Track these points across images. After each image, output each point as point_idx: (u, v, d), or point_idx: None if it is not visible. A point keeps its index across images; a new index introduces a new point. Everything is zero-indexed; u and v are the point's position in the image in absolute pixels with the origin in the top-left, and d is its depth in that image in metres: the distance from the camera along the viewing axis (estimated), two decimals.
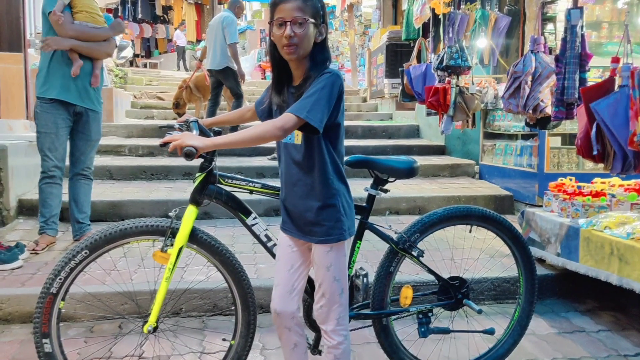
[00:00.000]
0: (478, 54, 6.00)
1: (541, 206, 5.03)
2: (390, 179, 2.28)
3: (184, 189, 5.25)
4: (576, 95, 3.23)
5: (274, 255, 2.13)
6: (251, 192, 2.12)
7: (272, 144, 2.46)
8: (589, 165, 5.08)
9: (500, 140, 5.90)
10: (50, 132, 3.79)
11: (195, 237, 2.06)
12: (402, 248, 2.30)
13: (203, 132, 2.10)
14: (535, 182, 5.08)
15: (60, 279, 1.96)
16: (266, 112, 2.07)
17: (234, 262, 2.14)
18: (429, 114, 6.59)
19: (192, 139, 1.72)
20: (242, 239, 4.17)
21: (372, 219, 2.28)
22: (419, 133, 8.30)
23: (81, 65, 3.79)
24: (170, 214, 2.04)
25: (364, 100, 11.68)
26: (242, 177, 2.11)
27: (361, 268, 2.22)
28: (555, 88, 3.40)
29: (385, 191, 2.28)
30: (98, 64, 4.02)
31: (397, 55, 9.60)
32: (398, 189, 5.45)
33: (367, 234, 2.28)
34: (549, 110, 3.63)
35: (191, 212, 2.03)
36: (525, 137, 5.47)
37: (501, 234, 2.46)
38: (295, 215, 1.94)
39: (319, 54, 1.86)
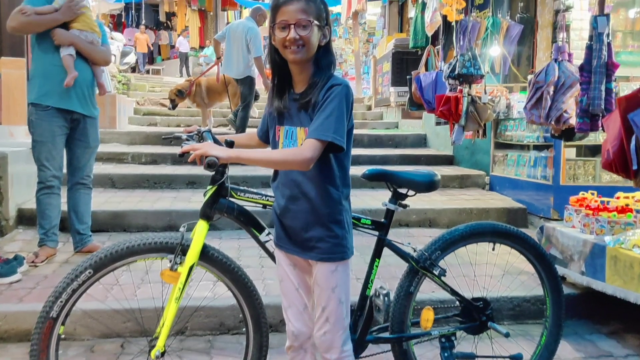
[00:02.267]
0: (489, 62, 5.89)
1: (557, 219, 4.92)
2: (409, 193, 2.15)
3: (187, 199, 5.12)
4: (602, 107, 3.09)
5: None
6: (264, 206, 1.99)
7: None
8: (606, 178, 4.94)
9: (512, 151, 5.76)
10: (47, 140, 3.63)
11: (206, 255, 1.93)
12: (422, 266, 2.16)
13: (215, 142, 1.97)
14: (551, 194, 4.94)
15: (61, 301, 1.82)
16: (266, 132, 1.97)
17: (246, 281, 2.01)
18: (438, 124, 6.48)
19: (215, 148, 1.64)
20: (248, 251, 4.03)
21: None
22: (426, 142, 8.17)
23: (76, 76, 3.62)
24: (180, 229, 1.90)
25: (369, 108, 11.57)
26: (255, 191, 1.98)
27: (381, 287, 2.09)
28: (580, 98, 3.26)
29: (405, 206, 2.15)
30: (99, 71, 3.89)
31: (403, 63, 9.49)
32: (407, 200, 5.30)
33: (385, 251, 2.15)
34: (573, 121, 3.49)
35: (202, 227, 1.90)
36: (537, 147, 5.33)
37: (525, 252, 2.32)
38: (294, 230, 1.82)
39: (324, 57, 1.76)
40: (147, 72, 19.85)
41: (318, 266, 1.79)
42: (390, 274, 3.53)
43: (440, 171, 6.53)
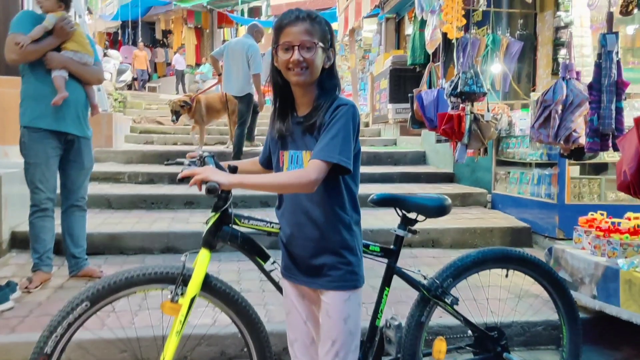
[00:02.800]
0: (490, 79, 5.85)
1: (562, 239, 4.83)
2: (419, 218, 2.06)
3: (185, 220, 5.01)
4: (613, 126, 3.02)
5: None
6: (269, 234, 1.89)
7: None
8: (612, 197, 4.86)
9: (514, 169, 5.69)
10: (40, 162, 3.53)
11: (208, 285, 1.83)
12: (434, 295, 2.06)
13: (218, 168, 1.88)
14: (555, 213, 4.85)
15: (56, 336, 1.71)
16: (268, 158, 1.91)
17: (251, 312, 1.91)
18: (438, 141, 6.42)
19: (216, 173, 1.57)
20: (248, 274, 3.92)
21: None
22: (426, 159, 8.10)
23: (65, 97, 3.52)
24: (181, 258, 1.81)
25: (367, 125, 11.52)
26: (260, 218, 1.88)
27: (393, 317, 1.99)
28: (590, 118, 3.19)
29: (414, 232, 2.06)
30: (92, 92, 3.81)
31: (401, 80, 9.45)
32: None
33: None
34: (583, 140, 3.41)
35: (204, 257, 1.81)
36: (539, 165, 5.26)
37: (540, 278, 2.23)
38: (303, 259, 1.73)
39: (328, 80, 1.70)
40: (144, 88, 19.81)
41: (329, 295, 1.70)
42: (396, 297, 3.42)
43: (441, 189, 6.50)
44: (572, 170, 4.93)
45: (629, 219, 3.45)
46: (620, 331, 3.19)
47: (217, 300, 1.86)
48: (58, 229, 3.79)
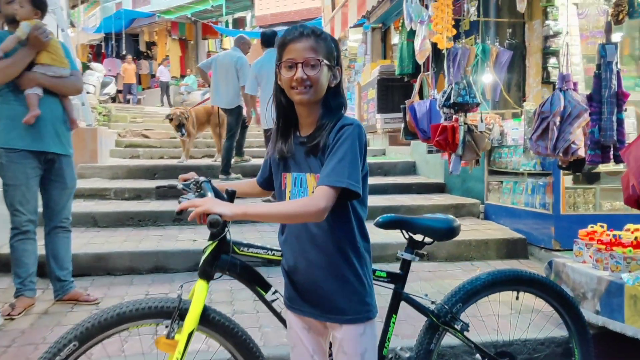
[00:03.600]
0: (480, 88, 5.80)
1: (558, 250, 4.77)
2: (426, 241, 1.97)
3: (174, 237, 4.88)
4: (615, 138, 2.96)
5: None
6: (269, 261, 1.79)
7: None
8: (607, 206, 4.82)
9: (507, 178, 5.63)
10: (20, 184, 3.38)
11: (207, 319, 1.72)
12: (444, 322, 1.96)
13: (216, 193, 1.77)
14: (551, 224, 4.79)
15: None
16: (267, 179, 1.82)
17: (252, 346, 1.80)
18: (430, 152, 6.35)
19: (218, 205, 1.46)
20: (241, 294, 3.79)
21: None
22: (416, 170, 8.04)
23: (37, 115, 3.37)
24: (177, 291, 1.69)
25: None
26: (260, 245, 1.77)
27: (402, 349, 1.89)
28: (590, 130, 3.13)
29: (422, 255, 1.97)
30: (69, 105, 3.66)
31: (389, 89, 9.42)
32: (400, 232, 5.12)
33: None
34: (582, 152, 3.35)
35: (202, 288, 1.69)
36: (532, 175, 5.21)
37: (551, 300, 2.15)
38: (309, 289, 1.63)
39: (333, 99, 1.61)
40: (128, 102, 19.59)
41: (343, 330, 1.59)
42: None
43: (432, 200, 6.43)
44: (565, 180, 4.88)
45: (630, 231, 3.40)
46: (625, 347, 3.11)
47: (216, 333, 1.75)
48: (42, 250, 3.65)
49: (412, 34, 7.22)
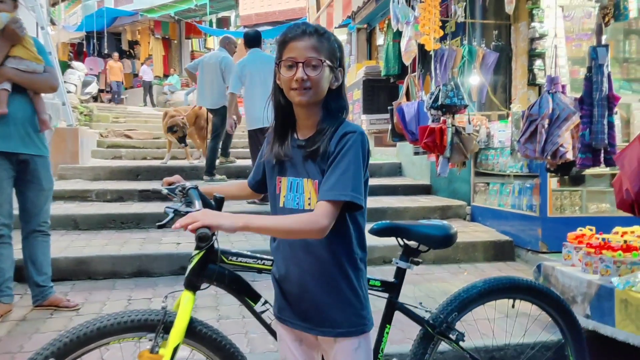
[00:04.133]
0: (467, 90, 5.77)
1: (545, 252, 4.76)
2: (421, 248, 1.91)
3: (158, 240, 4.77)
4: (606, 141, 2.94)
5: None
6: (260, 271, 1.71)
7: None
8: (593, 209, 4.82)
9: (493, 180, 5.62)
10: None
11: (193, 331, 1.63)
12: (439, 332, 1.91)
13: (203, 200, 1.69)
14: (538, 226, 4.78)
15: None
16: (260, 182, 1.75)
17: (240, 358, 1.72)
18: (416, 153, 6.31)
19: (217, 217, 1.39)
20: (226, 299, 3.70)
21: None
22: (401, 171, 8.03)
23: (4, 113, 3.25)
24: (162, 303, 1.60)
25: None
26: (250, 254, 1.70)
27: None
28: (581, 133, 3.10)
29: (417, 263, 1.91)
30: (41, 103, 3.52)
31: (374, 90, 9.38)
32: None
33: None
34: (570, 155, 3.32)
35: (188, 300, 1.61)
36: (518, 177, 5.20)
37: (548, 308, 2.10)
38: (301, 299, 1.55)
39: (334, 102, 1.54)
40: (110, 101, 19.33)
41: (336, 345, 1.52)
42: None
43: (419, 201, 6.39)
44: (552, 182, 4.87)
45: (617, 233, 3.38)
46: (615, 351, 3.09)
47: (202, 347, 1.66)
48: (19, 254, 3.53)
49: (398, 34, 7.19)
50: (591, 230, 3.49)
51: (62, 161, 6.99)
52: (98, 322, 1.56)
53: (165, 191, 1.79)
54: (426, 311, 1.94)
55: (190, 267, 1.62)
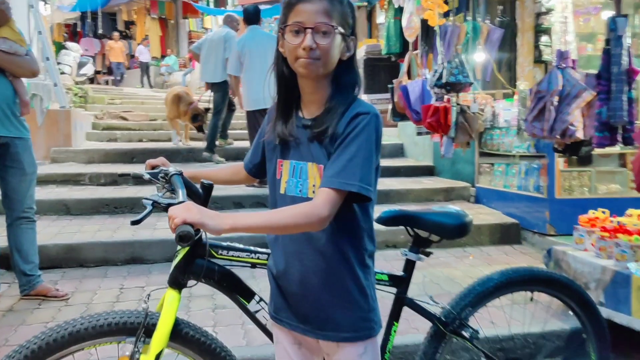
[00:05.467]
0: (471, 68, 5.57)
1: (553, 235, 4.60)
2: (432, 238, 1.74)
3: (152, 226, 4.60)
4: (625, 118, 2.75)
5: None
6: (253, 265, 1.54)
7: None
8: (603, 189, 4.65)
9: (499, 160, 5.43)
10: None
11: (179, 334, 1.47)
12: (451, 329, 1.74)
13: (189, 188, 1.51)
14: (545, 208, 4.61)
15: None
16: (258, 165, 1.56)
17: None
18: (419, 134, 6.12)
19: (200, 213, 1.19)
20: None
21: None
22: (404, 152, 7.84)
23: None
24: (142, 305, 1.43)
25: None
26: (242, 247, 1.53)
27: None
28: (597, 110, 2.91)
29: (428, 254, 1.74)
30: (21, 87, 3.35)
31: (375, 69, 9.19)
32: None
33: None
34: (580, 134, 3.13)
35: (173, 299, 1.44)
36: (524, 157, 5.02)
37: (569, 300, 1.93)
38: (301, 299, 1.38)
39: (345, 75, 1.34)
40: (107, 82, 19.03)
41: (340, 350, 1.35)
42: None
43: (422, 183, 6.22)
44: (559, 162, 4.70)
45: (631, 216, 3.20)
46: (631, 337, 2.93)
47: (189, 351, 1.50)
48: (4, 243, 3.36)
49: (399, 12, 6.96)
50: (604, 213, 3.31)
51: (55, 144, 6.79)
52: (70, 325, 1.39)
53: (147, 176, 1.61)
54: (437, 304, 1.77)
55: (175, 262, 1.45)
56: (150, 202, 1.38)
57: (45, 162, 6.58)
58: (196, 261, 1.47)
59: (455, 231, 1.69)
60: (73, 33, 21.30)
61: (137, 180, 1.68)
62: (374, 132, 1.28)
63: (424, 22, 5.59)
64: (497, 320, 2.42)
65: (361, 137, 1.25)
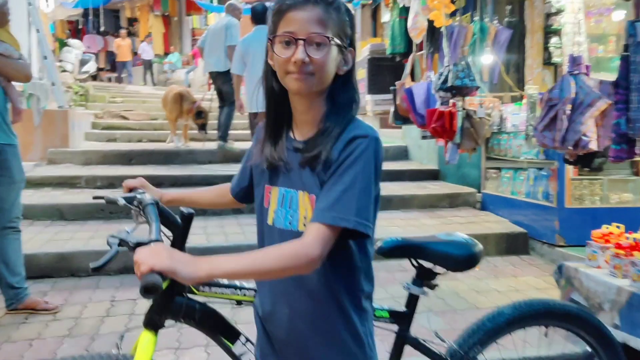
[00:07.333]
0: (478, 70, 5.41)
1: (562, 246, 4.44)
2: (438, 270, 1.58)
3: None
4: None
5: None
6: (239, 302, 1.39)
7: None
8: (614, 199, 4.48)
9: (506, 166, 5.27)
10: None
11: None
12: None
13: (165, 217, 1.36)
14: (555, 217, 4.44)
15: None
16: (245, 189, 1.42)
17: None
18: (424, 137, 5.96)
19: (170, 259, 1.04)
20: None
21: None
22: (408, 154, 7.70)
23: None
24: (113, 351, 1.29)
25: None
26: (227, 283, 1.38)
27: None
28: (615, 121, 2.74)
29: (433, 287, 1.58)
30: (13, 92, 3.24)
31: (380, 69, 9.00)
32: (394, 226, 4.76)
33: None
34: (594, 145, 2.96)
35: (148, 342, 1.29)
36: (533, 163, 4.85)
37: (589, 337, 1.77)
38: (288, 346, 1.23)
39: (342, 91, 1.19)
40: (109, 80, 18.91)
41: None
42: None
43: (427, 188, 6.05)
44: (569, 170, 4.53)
45: None
46: None
47: None
48: None
49: (404, 11, 6.79)
50: (618, 227, 3.15)
51: (51, 145, 6.64)
52: None
53: (121, 202, 1.46)
54: (444, 343, 1.61)
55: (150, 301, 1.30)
56: (117, 240, 1.23)
57: (42, 163, 6.45)
58: (176, 299, 1.32)
59: (464, 263, 1.54)
60: (76, 30, 21.22)
61: (107, 206, 1.53)
62: (373, 158, 1.14)
63: (429, 23, 5.43)
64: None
65: (358, 165, 1.11)
